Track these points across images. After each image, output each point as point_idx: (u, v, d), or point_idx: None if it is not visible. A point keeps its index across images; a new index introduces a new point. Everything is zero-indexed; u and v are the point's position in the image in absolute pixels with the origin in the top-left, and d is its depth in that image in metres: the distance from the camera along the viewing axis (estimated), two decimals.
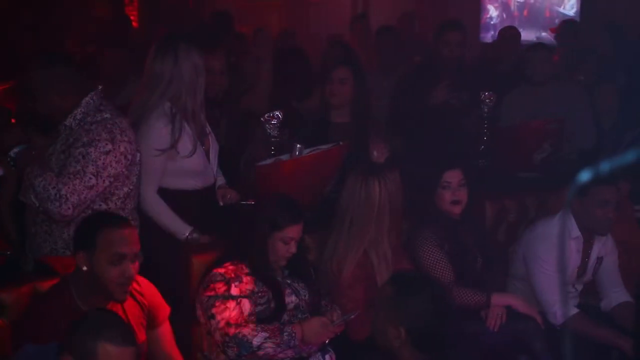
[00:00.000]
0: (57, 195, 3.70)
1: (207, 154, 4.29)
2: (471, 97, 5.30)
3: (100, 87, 4.24)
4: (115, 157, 3.85)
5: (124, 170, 3.89)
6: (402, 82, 5.88)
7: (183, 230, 4.14)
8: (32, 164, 3.79)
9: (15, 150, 3.91)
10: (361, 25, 7.76)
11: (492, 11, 10.77)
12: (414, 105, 5.48)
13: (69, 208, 3.66)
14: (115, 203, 3.92)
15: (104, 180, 3.80)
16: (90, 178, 3.77)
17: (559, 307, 4.24)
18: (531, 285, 4.38)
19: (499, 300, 4.33)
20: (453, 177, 4.37)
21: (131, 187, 3.96)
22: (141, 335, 3.57)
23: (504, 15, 10.39)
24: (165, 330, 3.75)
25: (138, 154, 3.96)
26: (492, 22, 10.46)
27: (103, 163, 3.81)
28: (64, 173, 3.74)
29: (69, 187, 3.72)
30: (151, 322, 3.65)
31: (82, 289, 3.40)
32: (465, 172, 4.41)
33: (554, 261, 4.23)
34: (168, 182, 4.23)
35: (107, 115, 3.90)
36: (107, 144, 3.81)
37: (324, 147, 4.60)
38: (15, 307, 3.63)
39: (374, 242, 4.11)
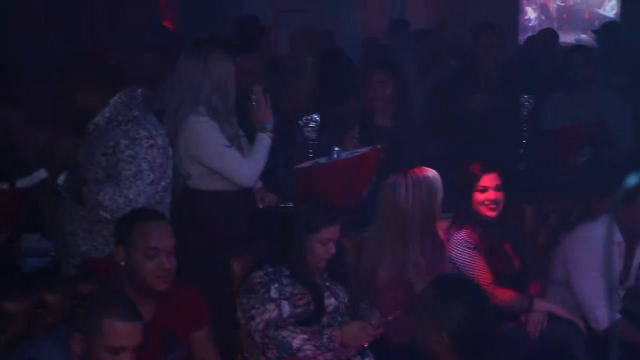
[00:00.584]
0: (127, 201, 3.88)
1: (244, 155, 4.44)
2: (510, 100, 5.31)
3: (140, 90, 4.37)
4: (158, 149, 4.01)
5: (165, 161, 4.06)
6: (439, 84, 5.91)
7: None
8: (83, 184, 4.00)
9: (62, 177, 4.08)
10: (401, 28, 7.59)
11: (530, 13, 10.73)
12: (452, 107, 5.50)
13: (135, 202, 3.92)
14: (155, 197, 4.07)
15: (154, 171, 4.03)
16: (148, 175, 3.95)
17: (602, 312, 4.17)
18: (572, 290, 4.36)
19: (541, 305, 4.32)
20: (490, 180, 4.39)
21: (168, 181, 4.12)
22: (184, 338, 3.69)
23: (543, 17, 10.48)
24: (207, 333, 3.81)
25: (170, 149, 4.15)
26: (530, 24, 10.46)
27: (152, 157, 3.97)
28: (122, 179, 3.92)
29: (133, 190, 3.90)
30: (193, 325, 3.74)
31: (126, 283, 3.56)
32: (503, 175, 4.44)
33: (597, 265, 4.13)
34: (201, 183, 4.39)
35: (137, 113, 4.02)
36: (148, 140, 3.96)
37: (362, 150, 4.69)
38: (56, 309, 3.76)
39: (406, 246, 4.16)
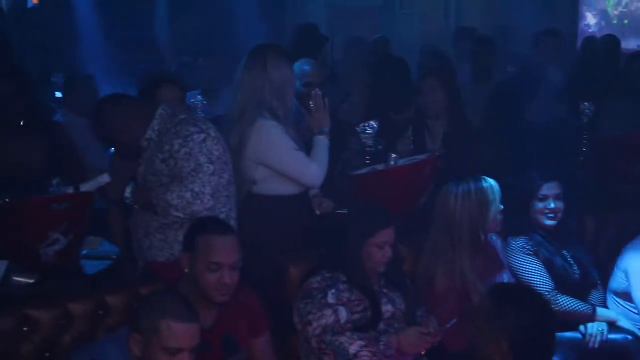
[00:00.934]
0: (194, 195, 4.03)
1: None
2: (570, 107, 5.20)
3: (199, 95, 4.70)
4: (212, 140, 4.15)
5: (222, 152, 4.20)
6: (497, 92, 5.96)
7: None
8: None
9: (128, 190, 4.27)
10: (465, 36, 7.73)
11: (590, 19, 10.64)
12: (511, 114, 5.48)
13: (209, 200, 4.03)
14: (221, 191, 4.23)
15: (215, 163, 4.16)
16: (208, 166, 4.07)
17: None
18: (633, 300, 4.31)
19: (602, 316, 4.32)
20: (550, 189, 4.38)
21: (230, 174, 4.31)
22: (243, 343, 3.79)
23: (603, 23, 10.38)
24: (266, 340, 3.90)
25: (227, 153, 4.24)
26: (589, 30, 10.42)
27: (208, 149, 4.11)
28: (184, 175, 4.08)
29: (197, 183, 4.04)
30: (253, 331, 3.82)
31: (190, 294, 3.60)
32: (563, 185, 4.43)
33: None
34: (266, 188, 4.50)
35: (183, 116, 4.19)
36: (199, 134, 4.11)
37: (419, 157, 4.73)
38: (118, 310, 3.89)
39: (459, 253, 4.21)
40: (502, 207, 4.28)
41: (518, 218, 4.40)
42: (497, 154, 5.44)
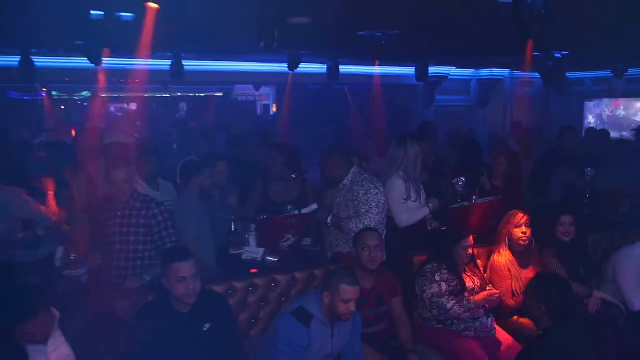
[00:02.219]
0: (363, 226, 4.24)
1: (421, 200, 4.86)
2: (580, 171, 5.73)
3: (364, 163, 5.25)
4: (380, 195, 4.41)
5: (383, 201, 4.44)
6: (537, 163, 6.22)
7: (425, 212, 4.74)
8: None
9: (330, 219, 4.52)
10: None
11: (590, 119, 11.59)
12: (547, 179, 5.77)
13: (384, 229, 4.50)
14: (380, 223, 4.44)
15: (379, 208, 4.37)
16: (375, 210, 4.41)
17: (637, 299, 4.44)
18: (618, 285, 4.63)
19: (597, 294, 4.56)
20: (568, 219, 4.63)
21: (385, 213, 4.52)
22: (387, 300, 4.11)
23: (598, 122, 11.27)
24: (400, 298, 4.21)
25: (384, 199, 4.54)
26: (590, 125, 11.22)
27: (377, 200, 4.42)
28: (361, 214, 4.37)
29: (367, 220, 4.32)
30: (393, 293, 4.19)
31: (358, 269, 3.95)
32: (575, 216, 4.70)
33: (634, 271, 4.47)
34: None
35: (366, 176, 4.61)
36: (374, 190, 4.44)
37: (489, 198, 5.04)
38: (320, 277, 4.09)
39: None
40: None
41: (547, 236, 4.64)
42: (536, 199, 5.69)
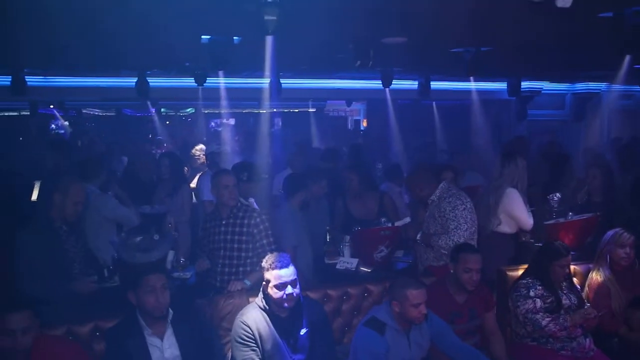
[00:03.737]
0: (452, 243, 4.33)
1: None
2: None
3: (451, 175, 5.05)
4: (468, 211, 4.44)
5: (472, 216, 4.45)
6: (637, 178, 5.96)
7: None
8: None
9: (419, 236, 4.49)
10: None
11: None
12: None
13: (459, 243, 4.34)
14: (470, 238, 4.42)
15: (467, 224, 4.40)
16: (464, 226, 4.45)
17: None
18: None
19: None
20: (627, 238, 4.36)
21: (475, 227, 4.50)
22: (480, 315, 4.06)
23: None
24: (493, 312, 4.18)
25: (474, 215, 4.48)
26: None
27: (465, 216, 4.45)
28: (450, 230, 4.40)
29: (456, 236, 4.39)
30: (486, 307, 4.12)
31: (453, 285, 3.99)
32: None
33: None
34: (501, 227, 4.73)
35: (454, 191, 4.58)
36: (461, 205, 4.43)
37: (586, 215, 4.87)
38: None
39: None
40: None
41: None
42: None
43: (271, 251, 4.01)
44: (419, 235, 4.61)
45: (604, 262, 4.29)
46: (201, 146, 7.72)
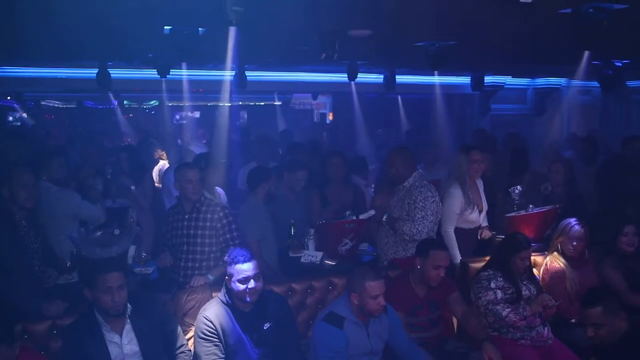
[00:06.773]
0: (416, 231, 4.42)
1: (480, 212, 4.95)
2: None
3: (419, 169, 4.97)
4: (435, 203, 4.48)
5: (438, 209, 4.51)
6: (600, 172, 6.01)
7: (457, 258, 4.71)
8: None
9: (385, 216, 4.53)
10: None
11: None
12: (611, 188, 5.65)
13: (424, 233, 4.40)
14: (432, 229, 4.46)
15: (434, 216, 4.44)
16: (429, 217, 4.47)
17: None
18: None
19: None
20: (631, 229, 4.52)
21: (438, 219, 4.52)
22: (441, 304, 4.10)
23: None
24: (457, 295, 4.12)
25: (440, 207, 4.55)
26: None
27: (432, 208, 4.49)
28: (415, 219, 4.41)
29: (420, 225, 4.41)
30: (447, 293, 4.10)
31: (416, 278, 3.99)
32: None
33: None
34: (460, 224, 4.93)
35: (425, 182, 4.62)
36: (431, 198, 4.48)
37: (546, 207, 4.97)
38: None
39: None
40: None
41: (608, 247, 4.53)
42: (598, 209, 5.49)
43: (235, 245, 4.04)
44: (384, 217, 4.59)
45: (556, 251, 4.39)
46: (163, 152, 7.72)
